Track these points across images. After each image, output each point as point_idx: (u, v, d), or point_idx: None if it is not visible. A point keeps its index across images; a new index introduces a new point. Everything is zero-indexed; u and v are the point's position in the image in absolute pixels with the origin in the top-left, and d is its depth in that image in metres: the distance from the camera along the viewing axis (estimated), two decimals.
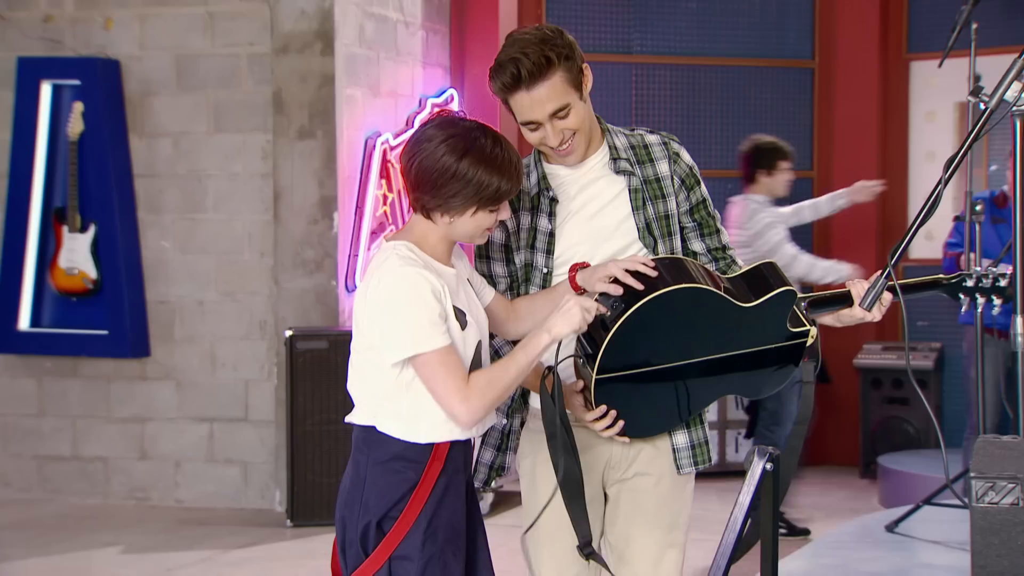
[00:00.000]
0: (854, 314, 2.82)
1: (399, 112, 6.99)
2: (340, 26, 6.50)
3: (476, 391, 2.65)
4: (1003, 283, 2.73)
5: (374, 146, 6.64)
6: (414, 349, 2.63)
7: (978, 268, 2.76)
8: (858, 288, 2.82)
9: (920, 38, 7.83)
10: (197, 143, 6.76)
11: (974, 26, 4.00)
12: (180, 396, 6.84)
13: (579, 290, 2.80)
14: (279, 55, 6.56)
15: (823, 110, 7.98)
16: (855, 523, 5.17)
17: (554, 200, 2.89)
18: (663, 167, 2.89)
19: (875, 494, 6.89)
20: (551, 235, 2.88)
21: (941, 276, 2.83)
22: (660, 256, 2.82)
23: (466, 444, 2.78)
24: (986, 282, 2.75)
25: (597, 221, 2.89)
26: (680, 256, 2.87)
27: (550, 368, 2.72)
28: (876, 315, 2.78)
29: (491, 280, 2.94)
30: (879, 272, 2.70)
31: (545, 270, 2.90)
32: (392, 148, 6.78)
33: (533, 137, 2.83)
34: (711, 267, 2.90)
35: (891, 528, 4.62)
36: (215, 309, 6.78)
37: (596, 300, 2.69)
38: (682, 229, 2.93)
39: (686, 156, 2.92)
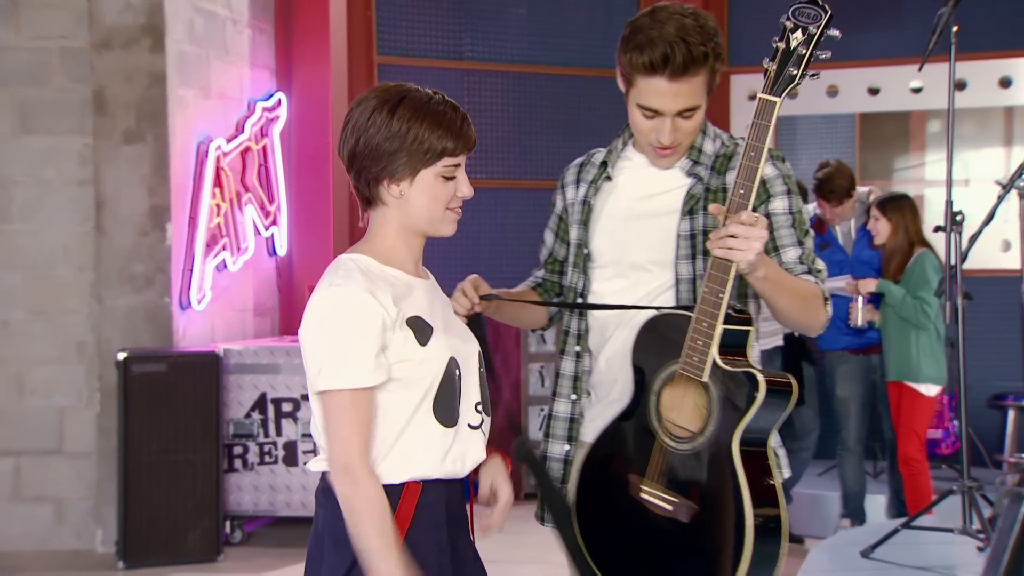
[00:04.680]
0: None
1: (229, 116, 6.51)
2: (171, 21, 5.98)
3: (361, 479, 2.24)
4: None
5: (207, 152, 6.15)
6: (322, 384, 2.25)
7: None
8: None
9: (739, 52, 7.91)
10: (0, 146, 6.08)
11: (954, 29, 3.97)
12: None
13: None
14: (100, 50, 5.97)
15: None
16: (825, 548, 4.94)
17: (608, 178, 2.71)
18: (732, 177, 2.61)
19: None
20: (590, 207, 2.70)
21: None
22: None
23: (451, 487, 2.37)
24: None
25: (639, 206, 2.66)
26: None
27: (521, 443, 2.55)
28: None
29: (541, 244, 2.89)
30: None
31: (579, 242, 2.71)
32: (226, 155, 6.30)
33: (644, 124, 2.58)
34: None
35: (867, 554, 4.44)
36: (23, 330, 6.10)
37: None
38: None
39: (767, 168, 2.61)
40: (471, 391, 2.39)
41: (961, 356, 4.34)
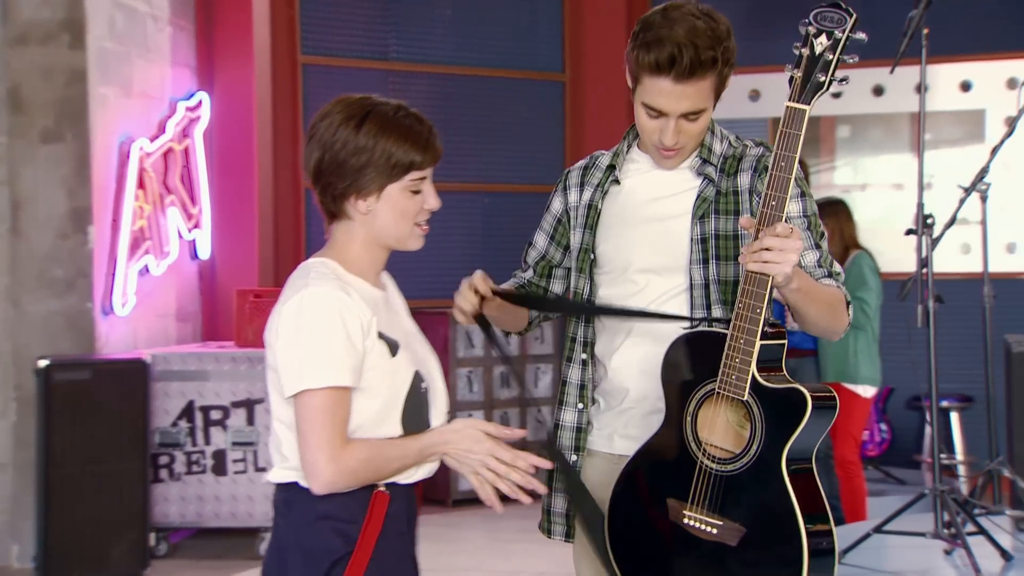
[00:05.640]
0: None
1: (150, 115, 6.32)
2: (91, 16, 5.78)
3: (350, 459, 2.22)
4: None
5: (129, 152, 5.96)
6: (300, 384, 2.21)
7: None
8: None
9: None
10: None
11: (925, 31, 3.98)
12: None
13: None
14: (15, 47, 5.74)
15: (575, 124, 7.93)
16: None
17: (616, 181, 2.63)
18: (744, 179, 2.57)
19: None
20: (597, 211, 2.63)
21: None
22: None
23: (409, 494, 2.35)
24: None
25: (648, 209, 2.60)
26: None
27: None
28: None
29: (528, 246, 2.79)
30: None
31: (584, 247, 2.64)
32: (148, 155, 6.11)
33: (649, 124, 2.52)
34: None
35: (839, 559, 4.36)
36: None
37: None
38: None
39: None
40: (439, 401, 2.38)
41: (932, 360, 4.35)
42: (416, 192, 2.32)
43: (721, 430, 2.40)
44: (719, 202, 2.56)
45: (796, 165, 2.30)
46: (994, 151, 4.40)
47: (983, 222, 4.57)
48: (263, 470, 5.69)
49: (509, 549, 6.15)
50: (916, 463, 7.47)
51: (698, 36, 2.43)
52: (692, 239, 2.55)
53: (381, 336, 2.29)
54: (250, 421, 5.73)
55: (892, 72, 4.12)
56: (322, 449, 2.20)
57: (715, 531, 2.38)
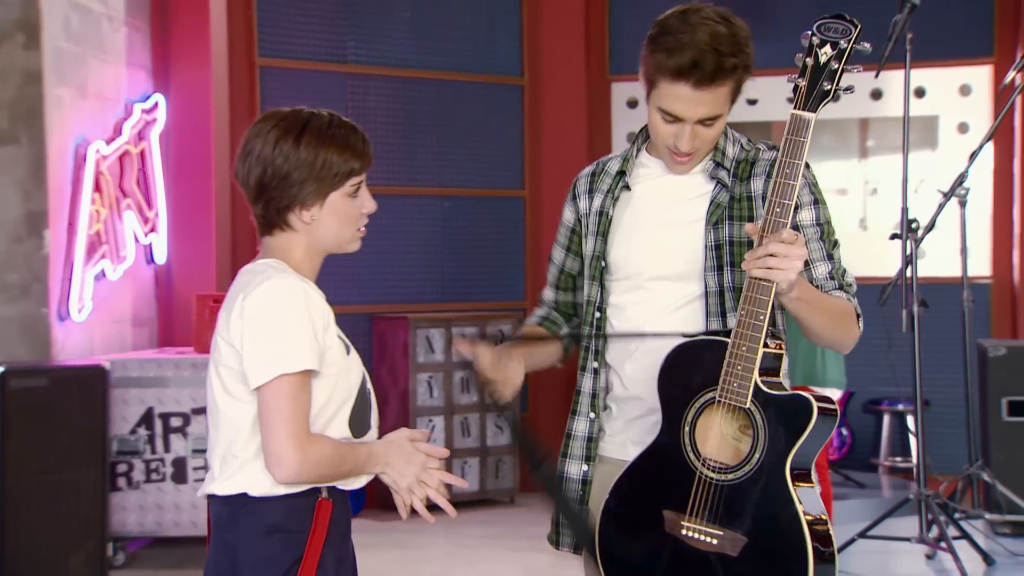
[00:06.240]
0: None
1: (106, 117, 6.20)
2: (46, 16, 5.66)
3: (316, 452, 2.26)
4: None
5: (85, 155, 5.85)
6: (275, 370, 2.23)
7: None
8: None
9: (620, 60, 7.93)
10: None
11: (909, 36, 3.98)
12: None
13: None
14: None
15: (532, 128, 7.91)
16: None
17: (626, 187, 2.61)
18: (758, 184, 2.54)
19: None
20: (608, 218, 2.60)
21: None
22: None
23: (346, 500, 2.40)
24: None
25: (661, 215, 2.57)
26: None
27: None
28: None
29: (549, 264, 2.79)
30: None
31: (596, 254, 2.61)
32: (105, 158, 6.01)
33: (664, 129, 2.49)
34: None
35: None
36: None
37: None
38: None
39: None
40: (375, 405, 2.46)
41: (917, 365, 4.35)
42: (353, 197, 2.40)
43: (715, 442, 2.38)
44: (733, 208, 2.53)
45: (802, 172, 2.29)
46: (972, 156, 4.43)
47: (962, 227, 4.60)
48: None
49: (475, 556, 6.11)
50: (874, 466, 7.52)
51: (721, 42, 2.41)
52: (706, 245, 2.52)
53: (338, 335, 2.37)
54: None
55: (877, 76, 4.12)
56: (290, 438, 2.23)
57: (715, 541, 2.35)
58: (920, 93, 7.54)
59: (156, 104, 6.49)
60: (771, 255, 2.25)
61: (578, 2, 7.81)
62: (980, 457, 4.78)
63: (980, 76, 7.57)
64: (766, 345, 2.34)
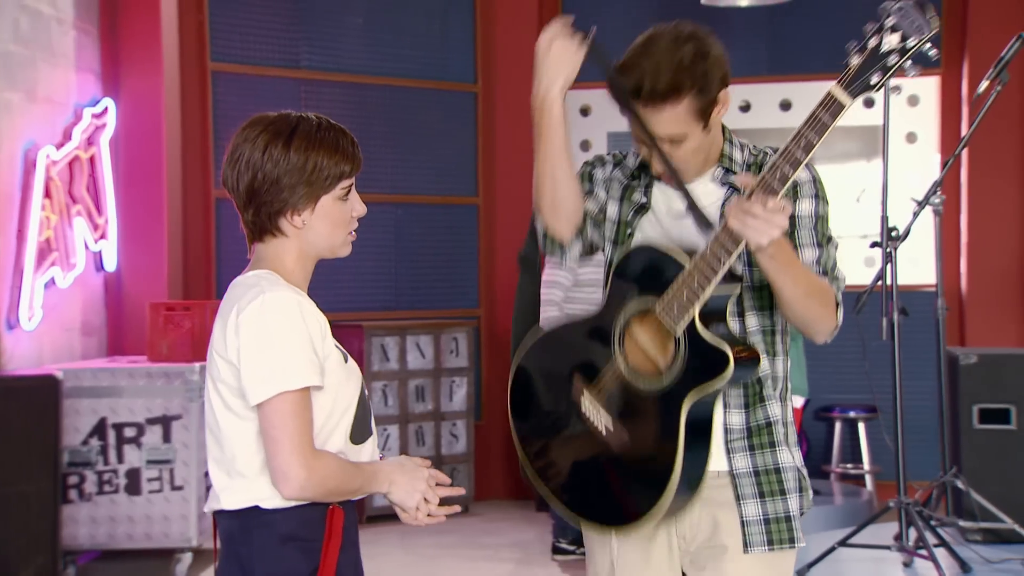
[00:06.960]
0: None
1: (56, 122, 6.08)
2: None
3: (322, 468, 2.25)
4: None
5: (35, 160, 5.73)
6: (275, 387, 2.21)
7: None
8: None
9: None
10: None
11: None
12: None
13: None
14: None
15: (486, 135, 7.88)
16: None
17: (645, 208, 2.60)
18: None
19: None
20: (629, 231, 2.59)
21: None
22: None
23: (353, 509, 2.38)
24: None
25: (675, 226, 2.56)
26: None
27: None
28: None
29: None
30: None
31: (611, 260, 2.60)
32: (55, 163, 5.89)
33: (641, 149, 2.50)
34: None
35: (803, 573, 4.31)
36: None
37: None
38: None
39: (802, 171, 2.46)
40: (371, 411, 2.45)
41: (897, 374, 4.36)
42: (344, 200, 2.37)
43: (645, 346, 2.43)
44: None
45: (812, 149, 2.24)
46: (945, 164, 4.47)
47: (936, 235, 4.63)
48: (180, 488, 5.51)
49: (433, 564, 6.06)
50: (825, 473, 7.56)
51: (662, 63, 2.38)
52: None
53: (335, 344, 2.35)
54: (166, 438, 5.53)
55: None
56: (294, 454, 2.20)
57: (606, 430, 2.44)
58: (869, 103, 7.60)
59: (106, 109, 6.38)
60: (752, 215, 2.25)
61: (532, 9, 7.80)
62: (953, 465, 4.81)
63: (927, 87, 7.66)
64: (720, 285, 2.35)
